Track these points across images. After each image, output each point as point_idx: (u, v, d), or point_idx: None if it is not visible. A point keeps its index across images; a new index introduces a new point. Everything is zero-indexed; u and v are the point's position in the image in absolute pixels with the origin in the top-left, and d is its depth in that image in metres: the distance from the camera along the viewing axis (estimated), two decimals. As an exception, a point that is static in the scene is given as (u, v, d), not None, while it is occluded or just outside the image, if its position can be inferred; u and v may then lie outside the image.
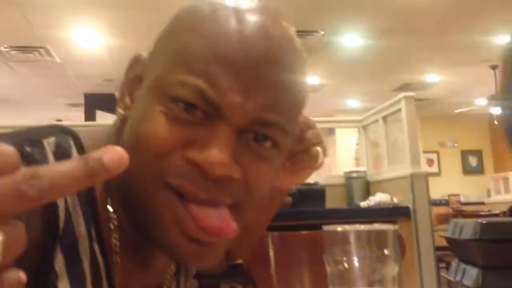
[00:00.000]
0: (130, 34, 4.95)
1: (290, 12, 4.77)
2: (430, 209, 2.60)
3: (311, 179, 3.04)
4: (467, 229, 0.91)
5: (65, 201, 0.46)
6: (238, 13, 0.45)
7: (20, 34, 4.94)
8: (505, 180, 8.48)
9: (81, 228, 0.47)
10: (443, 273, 3.39)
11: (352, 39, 5.64)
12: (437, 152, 9.79)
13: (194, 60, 0.44)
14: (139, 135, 0.45)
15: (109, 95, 6.40)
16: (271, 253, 1.38)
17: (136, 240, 0.50)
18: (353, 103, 8.69)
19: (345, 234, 0.54)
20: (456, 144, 10.28)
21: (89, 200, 0.48)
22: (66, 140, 0.49)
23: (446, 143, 10.14)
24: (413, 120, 2.65)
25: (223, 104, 0.43)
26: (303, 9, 4.73)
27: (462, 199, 8.14)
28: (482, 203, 8.22)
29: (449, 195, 7.96)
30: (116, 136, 0.51)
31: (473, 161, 10.46)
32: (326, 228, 0.55)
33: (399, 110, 2.69)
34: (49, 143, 0.47)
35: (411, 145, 2.63)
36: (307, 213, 2.59)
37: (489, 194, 8.89)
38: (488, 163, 10.36)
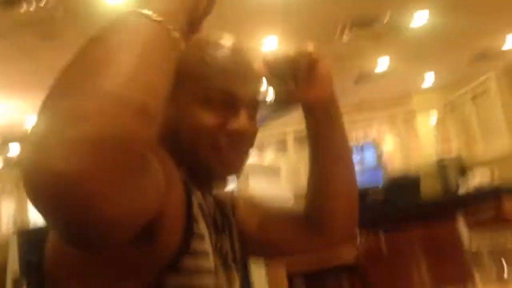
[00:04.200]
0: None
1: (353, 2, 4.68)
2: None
3: (402, 171, 2.96)
4: None
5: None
6: (231, 51, 0.80)
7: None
8: None
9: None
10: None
11: (419, 18, 5.44)
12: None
13: (219, 78, 0.76)
14: (194, 127, 0.75)
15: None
16: (384, 253, 1.37)
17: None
18: (428, 81, 8.37)
19: None
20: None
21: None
22: None
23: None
24: (508, 94, 2.51)
25: (239, 95, 0.76)
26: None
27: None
28: None
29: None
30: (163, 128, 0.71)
31: None
32: None
33: (490, 87, 2.56)
34: None
35: (507, 121, 2.50)
36: (403, 207, 2.52)
37: None
38: None
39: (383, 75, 7.49)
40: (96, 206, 0.42)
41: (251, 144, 0.82)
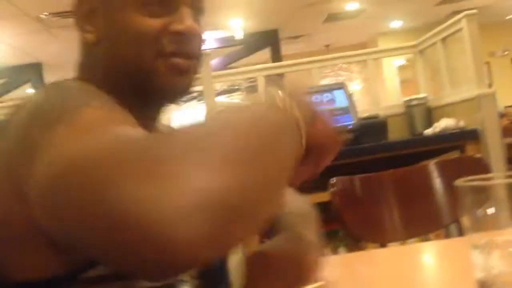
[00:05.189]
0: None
1: None
2: (500, 130, 2.52)
3: (370, 112, 2.99)
4: None
5: None
6: None
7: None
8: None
9: None
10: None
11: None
12: (488, 63, 9.39)
13: None
14: (133, 36, 0.68)
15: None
16: (358, 195, 1.40)
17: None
18: (396, 24, 8.37)
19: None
20: (506, 52, 9.80)
21: None
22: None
23: (496, 52, 9.69)
24: (477, 38, 2.52)
25: None
26: None
27: (519, 108, 7.81)
28: (541, 109, 7.90)
29: (505, 107, 7.67)
30: (96, 57, 0.72)
31: (526, 66, 9.97)
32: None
33: (460, 30, 2.57)
34: None
35: (475, 65, 2.53)
36: (372, 148, 2.56)
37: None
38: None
39: (352, 15, 7.44)
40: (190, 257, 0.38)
41: (199, 49, 0.74)
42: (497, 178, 0.60)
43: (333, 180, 1.38)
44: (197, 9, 0.74)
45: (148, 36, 0.68)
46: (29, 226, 0.51)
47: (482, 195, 0.58)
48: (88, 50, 0.73)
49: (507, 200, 0.57)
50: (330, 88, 2.80)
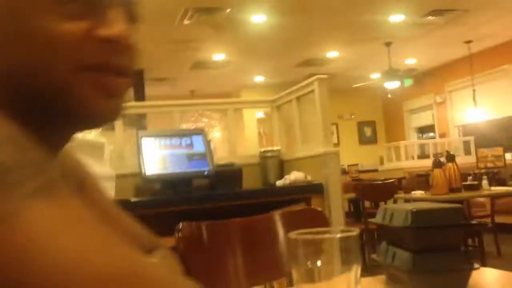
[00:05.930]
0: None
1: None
2: (341, 185, 2.75)
3: (227, 159, 3.07)
4: (398, 216, 0.99)
5: None
6: None
7: None
8: (396, 149, 9.23)
9: None
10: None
11: (257, 17, 5.69)
12: (336, 124, 10.32)
13: None
14: (43, 43, 0.50)
15: None
16: (204, 242, 1.39)
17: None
18: (259, 78, 8.83)
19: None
20: (353, 116, 10.92)
21: None
22: None
23: (344, 115, 10.73)
24: (326, 101, 2.76)
25: None
26: (210, -14, 4.67)
27: (359, 168, 8.69)
28: (376, 170, 8.87)
29: (348, 165, 8.45)
30: None
31: (368, 131, 11.20)
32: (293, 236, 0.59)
33: (312, 91, 2.79)
34: None
35: (323, 125, 2.76)
36: (225, 195, 2.61)
37: (382, 162, 9.61)
38: (381, 133, 11.20)
39: (218, 65, 7.69)
40: None
41: (131, 64, 0.57)
42: (328, 232, 0.63)
43: (180, 225, 1.35)
44: (130, 14, 0.58)
45: (63, 43, 0.51)
46: None
47: (312, 248, 0.61)
48: None
49: (334, 253, 0.61)
50: (189, 133, 2.82)
